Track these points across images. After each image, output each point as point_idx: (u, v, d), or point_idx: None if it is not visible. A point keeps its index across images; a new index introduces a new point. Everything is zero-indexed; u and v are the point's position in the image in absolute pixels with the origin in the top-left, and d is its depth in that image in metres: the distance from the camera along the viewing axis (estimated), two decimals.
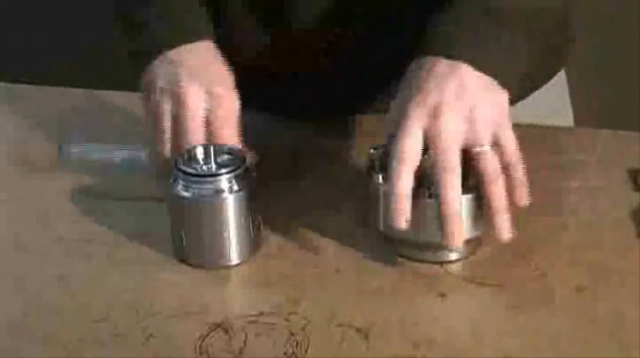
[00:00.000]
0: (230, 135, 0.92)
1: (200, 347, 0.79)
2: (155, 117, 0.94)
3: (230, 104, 0.93)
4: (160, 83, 0.94)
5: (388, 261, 0.88)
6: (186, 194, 0.87)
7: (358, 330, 0.80)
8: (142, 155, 0.97)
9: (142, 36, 1.00)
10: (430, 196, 0.84)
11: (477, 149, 0.84)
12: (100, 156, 1.00)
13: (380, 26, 1.04)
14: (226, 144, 0.90)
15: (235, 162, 0.88)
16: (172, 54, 0.96)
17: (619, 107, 1.89)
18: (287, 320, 0.82)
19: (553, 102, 1.17)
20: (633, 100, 1.97)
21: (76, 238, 0.94)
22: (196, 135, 0.91)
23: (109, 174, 1.01)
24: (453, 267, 0.87)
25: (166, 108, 0.93)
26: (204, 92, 0.93)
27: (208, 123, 0.92)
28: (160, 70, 0.95)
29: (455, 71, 0.85)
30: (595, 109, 1.58)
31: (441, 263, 0.87)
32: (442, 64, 0.86)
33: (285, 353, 0.78)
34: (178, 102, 0.93)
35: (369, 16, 1.04)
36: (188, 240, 0.89)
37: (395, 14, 1.04)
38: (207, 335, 0.80)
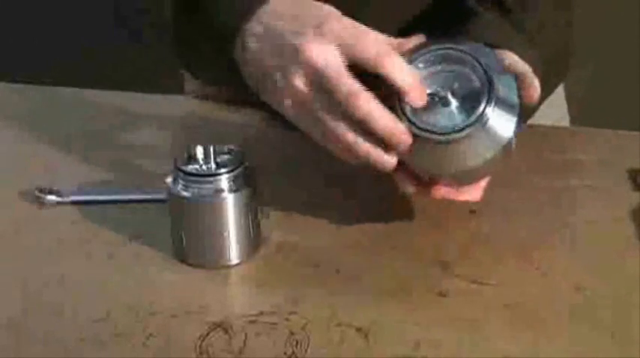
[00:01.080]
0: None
1: (200, 346, 0.79)
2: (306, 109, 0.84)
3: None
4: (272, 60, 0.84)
5: (388, 260, 0.88)
6: (185, 194, 0.87)
7: (358, 330, 0.80)
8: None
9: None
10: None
11: None
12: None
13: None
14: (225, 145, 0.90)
15: (235, 161, 0.88)
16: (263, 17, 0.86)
17: (619, 107, 1.89)
18: (287, 319, 0.82)
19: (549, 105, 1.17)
20: (633, 100, 1.97)
21: (75, 238, 0.94)
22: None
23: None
24: (453, 267, 0.87)
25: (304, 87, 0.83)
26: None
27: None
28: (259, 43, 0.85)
29: None
30: (594, 109, 1.58)
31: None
32: None
33: (285, 353, 0.78)
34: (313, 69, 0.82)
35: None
36: (188, 240, 0.89)
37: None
38: (207, 334, 0.80)
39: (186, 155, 0.88)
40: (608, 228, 0.92)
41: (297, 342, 0.79)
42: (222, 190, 0.87)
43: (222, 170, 0.87)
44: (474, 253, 0.89)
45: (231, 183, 0.87)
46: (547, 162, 1.01)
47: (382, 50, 0.82)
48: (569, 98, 1.20)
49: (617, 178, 0.99)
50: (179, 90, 1.24)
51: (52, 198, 0.98)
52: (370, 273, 0.87)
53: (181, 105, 1.18)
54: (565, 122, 1.20)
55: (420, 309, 0.83)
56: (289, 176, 1.01)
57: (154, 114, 1.15)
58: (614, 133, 1.08)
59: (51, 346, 0.80)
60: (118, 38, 2.15)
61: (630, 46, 1.97)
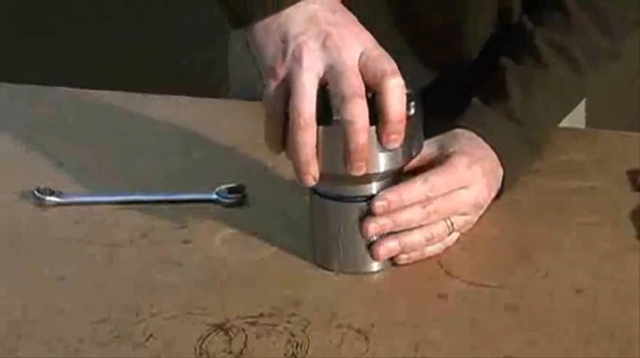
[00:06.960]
0: None
1: (200, 347, 0.79)
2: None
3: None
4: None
5: (388, 262, 0.88)
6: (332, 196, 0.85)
7: (358, 331, 0.80)
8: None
9: None
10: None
11: None
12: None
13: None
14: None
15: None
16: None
17: (619, 107, 1.89)
18: (287, 321, 0.82)
19: None
20: (633, 100, 1.97)
21: (76, 238, 0.94)
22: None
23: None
24: (453, 269, 0.87)
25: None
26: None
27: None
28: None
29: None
30: (594, 110, 1.57)
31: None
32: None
33: (285, 355, 0.78)
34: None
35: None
36: (331, 245, 0.87)
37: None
38: (208, 335, 0.81)
39: None
40: (608, 228, 0.92)
41: (297, 344, 0.79)
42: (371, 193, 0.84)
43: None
44: (474, 255, 0.89)
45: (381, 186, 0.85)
46: (547, 163, 1.01)
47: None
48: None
49: (617, 179, 0.99)
50: (179, 90, 1.24)
51: (52, 198, 0.98)
52: (370, 274, 0.87)
53: (181, 105, 1.18)
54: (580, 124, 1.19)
55: (420, 311, 0.83)
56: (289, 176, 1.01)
57: (154, 115, 1.15)
58: (614, 133, 1.08)
59: (51, 346, 0.80)
60: (118, 38, 2.16)
61: (630, 46, 1.96)
